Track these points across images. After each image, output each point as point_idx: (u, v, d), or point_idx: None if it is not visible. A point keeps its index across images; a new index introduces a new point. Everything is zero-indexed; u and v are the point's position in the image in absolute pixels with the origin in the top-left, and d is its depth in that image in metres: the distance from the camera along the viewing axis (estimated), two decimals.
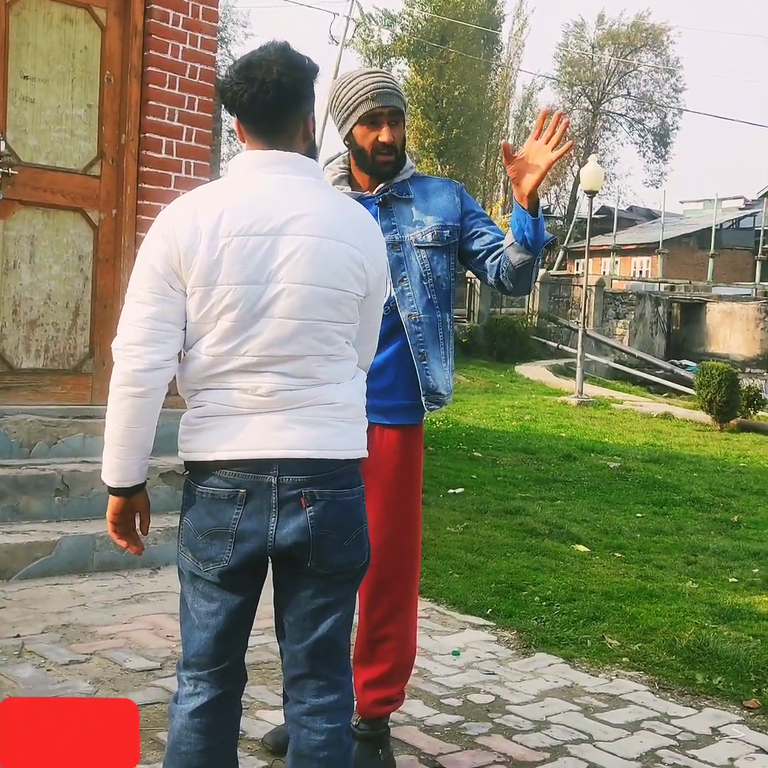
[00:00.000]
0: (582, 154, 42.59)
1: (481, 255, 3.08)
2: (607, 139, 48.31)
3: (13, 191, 5.43)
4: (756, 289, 36.44)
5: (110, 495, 2.26)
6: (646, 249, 43.93)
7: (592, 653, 4.33)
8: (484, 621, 4.69)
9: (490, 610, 4.80)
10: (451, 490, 7.83)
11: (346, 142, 3.08)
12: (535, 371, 21.60)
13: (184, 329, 2.19)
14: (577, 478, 9.03)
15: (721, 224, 43.92)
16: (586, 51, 46.61)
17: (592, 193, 19.25)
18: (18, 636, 3.97)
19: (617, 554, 6.28)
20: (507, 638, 4.49)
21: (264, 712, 3.43)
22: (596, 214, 36.22)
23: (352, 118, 3.00)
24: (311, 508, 2.15)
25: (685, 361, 28.18)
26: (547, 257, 44.08)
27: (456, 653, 4.23)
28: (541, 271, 30.12)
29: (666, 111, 47.89)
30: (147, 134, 5.85)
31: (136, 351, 2.14)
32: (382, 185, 3.08)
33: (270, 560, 2.22)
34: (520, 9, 43.41)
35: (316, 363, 2.19)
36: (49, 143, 5.59)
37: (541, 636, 4.48)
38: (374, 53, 38.03)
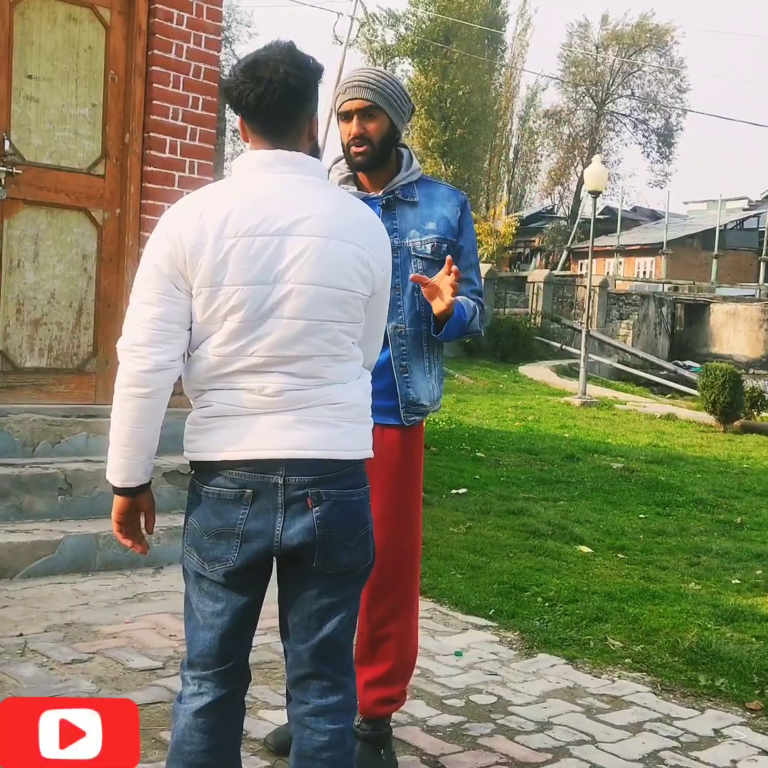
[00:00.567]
0: (586, 155, 42.60)
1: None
2: (611, 139, 48.37)
3: (18, 190, 5.44)
4: (760, 290, 36.43)
5: (115, 495, 2.26)
6: (649, 250, 43.88)
7: (595, 654, 4.33)
8: (487, 621, 4.69)
9: (492, 610, 4.80)
10: (454, 491, 7.82)
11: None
12: (539, 372, 21.59)
13: (190, 330, 2.18)
14: (581, 479, 9.02)
15: (725, 225, 43.87)
16: (590, 51, 46.61)
17: (595, 194, 19.26)
18: (21, 635, 3.97)
19: (620, 555, 6.27)
20: (509, 639, 4.49)
21: (266, 712, 3.43)
22: (600, 214, 36.23)
23: (336, 116, 3.06)
24: (317, 508, 2.15)
25: (688, 362, 28.15)
26: (551, 257, 44.10)
27: (458, 654, 4.23)
28: (545, 272, 30.16)
29: (670, 111, 47.92)
30: (151, 134, 5.86)
31: (142, 352, 2.14)
32: (387, 186, 3.07)
33: (275, 560, 2.22)
34: (524, 9, 43.60)
35: (323, 363, 2.19)
36: (53, 142, 5.60)
37: (543, 637, 4.48)
38: (378, 53, 38.04)
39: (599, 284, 27.71)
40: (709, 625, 4.73)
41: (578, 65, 46.61)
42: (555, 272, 33.91)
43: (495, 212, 40.20)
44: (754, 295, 35.53)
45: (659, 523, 7.47)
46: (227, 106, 2.28)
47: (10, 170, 5.37)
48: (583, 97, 46.99)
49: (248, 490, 2.14)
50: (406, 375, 3.08)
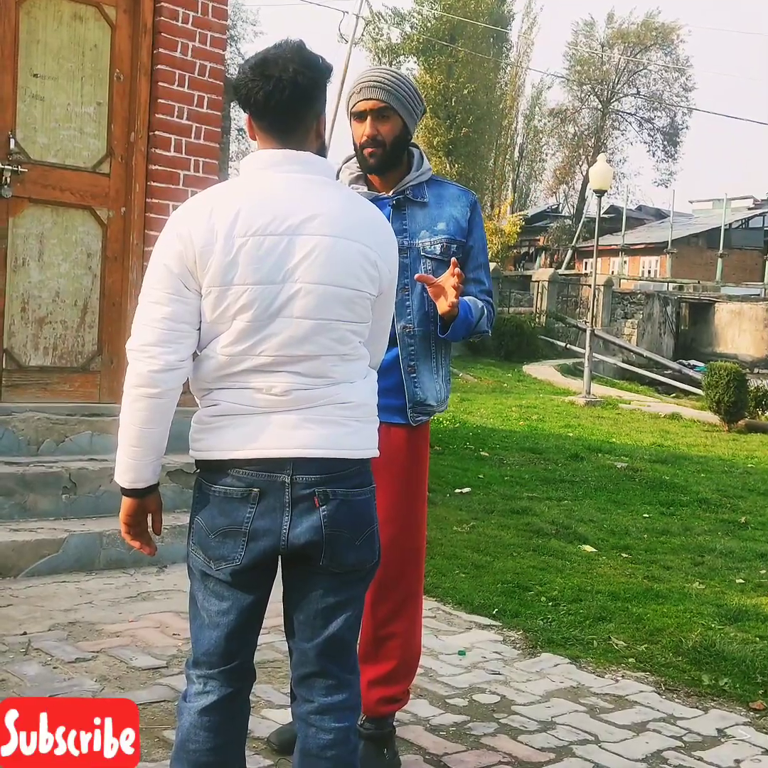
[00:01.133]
0: (591, 153, 42.56)
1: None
2: (616, 138, 48.33)
3: (23, 189, 5.45)
4: (765, 289, 36.39)
5: (123, 496, 2.26)
6: (654, 248, 43.85)
7: (598, 654, 4.33)
8: (490, 621, 4.69)
9: (496, 610, 4.80)
10: (457, 490, 7.82)
11: None
12: (543, 371, 21.59)
13: (199, 329, 2.18)
14: (584, 478, 9.01)
15: (730, 224, 43.83)
16: (596, 50, 46.55)
17: (600, 193, 19.25)
18: (25, 633, 3.98)
19: (624, 555, 6.27)
20: (513, 638, 4.49)
21: (270, 711, 3.44)
22: (605, 213, 36.17)
23: (349, 114, 3.04)
24: (324, 507, 2.15)
25: (693, 362, 28.12)
26: (556, 256, 44.09)
27: (462, 653, 4.23)
28: (550, 271, 30.11)
29: (675, 110, 47.85)
30: (156, 132, 5.86)
31: (151, 352, 2.13)
32: (398, 186, 3.07)
33: (280, 559, 2.22)
34: (530, 7, 43.57)
35: (331, 362, 2.19)
36: (59, 141, 5.60)
37: (547, 636, 4.48)
38: (383, 52, 37.99)
39: (604, 283, 27.71)
40: (712, 625, 4.73)
41: (584, 64, 46.57)
42: (560, 271, 33.90)
43: (500, 211, 40.20)
44: (759, 295, 35.48)
45: (663, 522, 7.46)
46: (233, 104, 2.29)
47: (16, 169, 5.38)
48: (589, 95, 46.95)
49: (255, 489, 2.14)
50: (414, 375, 3.08)
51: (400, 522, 3.09)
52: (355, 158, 3.15)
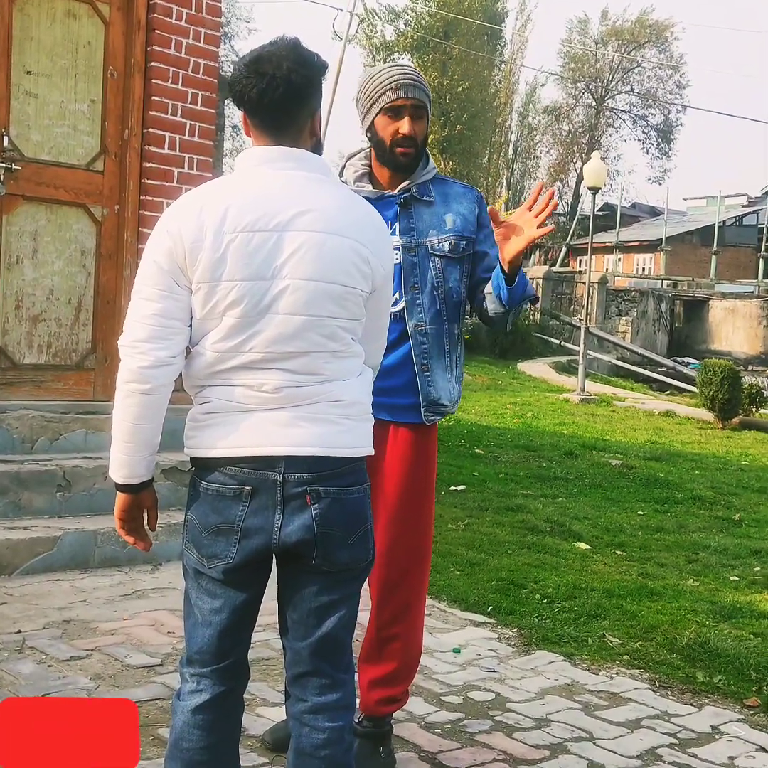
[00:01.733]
0: (585, 151, 42.57)
1: (476, 281, 3.09)
2: (610, 135, 48.39)
3: (17, 186, 5.44)
4: (759, 287, 36.41)
5: (118, 492, 2.26)
6: (649, 246, 43.88)
7: (593, 651, 4.34)
8: (485, 618, 4.69)
9: (491, 607, 4.80)
10: (452, 487, 7.83)
11: (367, 134, 3.05)
12: (538, 368, 21.59)
13: (190, 326, 2.19)
14: (579, 476, 9.02)
15: (724, 221, 43.87)
16: (590, 47, 46.58)
17: (595, 190, 19.25)
18: (19, 631, 3.98)
19: (618, 552, 6.28)
20: (508, 636, 4.49)
21: (264, 709, 3.43)
22: (599, 210, 36.20)
23: (374, 108, 2.99)
24: (316, 505, 2.15)
25: (687, 359, 28.14)
26: (550, 254, 44.09)
27: (457, 650, 4.23)
28: (544, 268, 30.10)
29: (669, 107, 47.93)
30: (150, 130, 5.85)
31: (142, 348, 2.14)
32: (404, 184, 3.05)
33: (274, 557, 2.22)
34: (524, 5, 43.38)
35: (322, 359, 2.18)
36: (52, 138, 5.59)
37: (541, 634, 4.49)
38: (377, 49, 37.97)
39: (598, 281, 27.73)
40: (707, 622, 4.74)
41: (578, 61, 46.59)
42: (554, 269, 33.91)
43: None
44: (753, 292, 35.52)
45: (658, 519, 7.47)
46: (227, 101, 2.29)
47: (9, 166, 5.37)
48: (583, 93, 47.00)
49: (247, 487, 2.14)
50: (428, 373, 3.05)
51: (405, 523, 3.08)
52: (359, 155, 3.13)
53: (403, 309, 3.01)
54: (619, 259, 43.47)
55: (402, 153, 2.99)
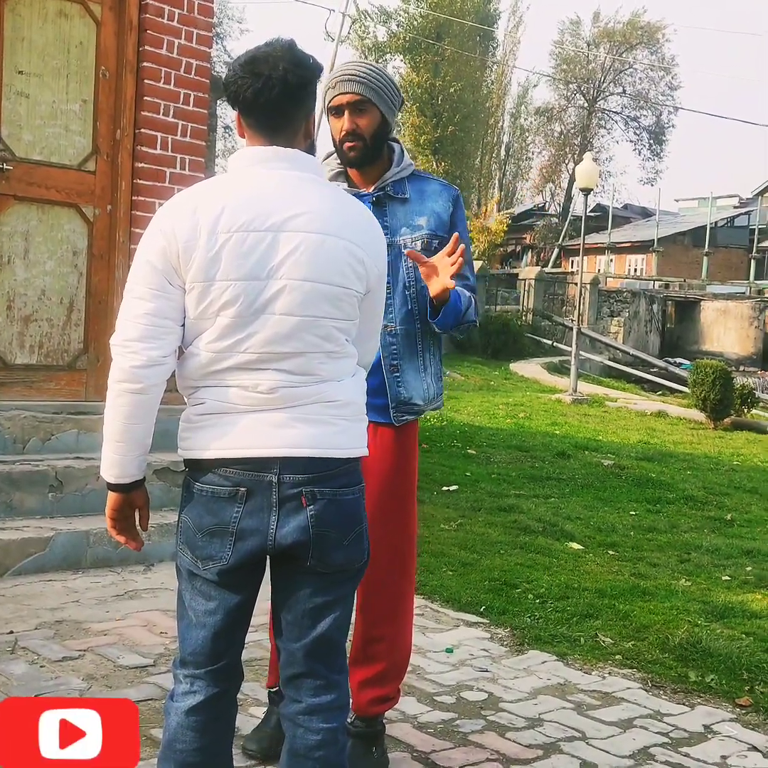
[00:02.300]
0: (577, 152, 42.62)
1: None
2: (602, 136, 48.41)
3: (8, 187, 5.42)
4: (750, 288, 36.50)
5: (109, 491, 2.26)
6: (640, 247, 43.96)
7: (586, 651, 4.34)
8: (478, 618, 4.69)
9: (483, 607, 4.81)
10: (445, 488, 7.83)
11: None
12: (530, 369, 21.62)
13: (183, 325, 2.18)
14: (571, 476, 9.04)
15: (715, 222, 44.00)
16: (582, 48, 46.62)
17: (587, 191, 19.29)
18: (11, 632, 3.96)
19: (611, 552, 6.29)
20: (500, 636, 4.50)
21: (257, 709, 3.42)
22: (591, 211, 36.27)
23: (327, 111, 3.02)
24: (311, 506, 2.15)
25: (679, 359, 28.20)
26: (542, 255, 44.15)
27: (449, 650, 4.23)
28: (536, 269, 30.11)
29: (661, 109, 47.97)
30: (142, 130, 5.84)
31: (134, 347, 2.13)
32: (378, 182, 3.04)
33: (268, 559, 2.22)
34: (516, 6, 43.48)
35: (317, 360, 2.18)
36: (44, 138, 5.58)
37: (534, 633, 4.49)
38: (370, 50, 37.94)
39: (590, 281, 27.74)
40: (699, 622, 4.75)
41: (570, 63, 46.62)
42: (546, 269, 33.94)
43: (486, 209, 40.20)
44: (744, 293, 35.60)
45: (650, 520, 7.49)
46: (219, 102, 2.28)
47: (1, 166, 5.35)
48: (575, 94, 47.03)
49: (242, 489, 2.14)
50: (397, 374, 3.04)
51: (388, 522, 3.07)
52: (335, 155, 3.11)
53: None
54: (611, 260, 43.54)
55: (349, 148, 2.98)
